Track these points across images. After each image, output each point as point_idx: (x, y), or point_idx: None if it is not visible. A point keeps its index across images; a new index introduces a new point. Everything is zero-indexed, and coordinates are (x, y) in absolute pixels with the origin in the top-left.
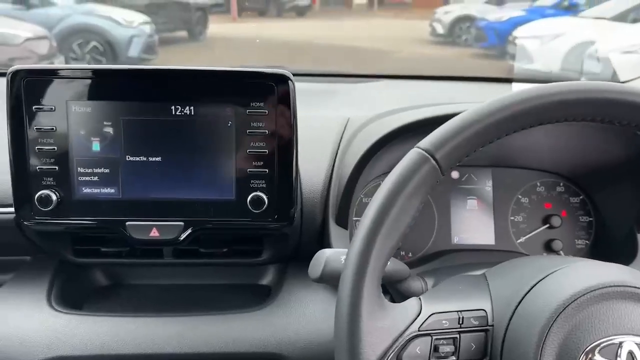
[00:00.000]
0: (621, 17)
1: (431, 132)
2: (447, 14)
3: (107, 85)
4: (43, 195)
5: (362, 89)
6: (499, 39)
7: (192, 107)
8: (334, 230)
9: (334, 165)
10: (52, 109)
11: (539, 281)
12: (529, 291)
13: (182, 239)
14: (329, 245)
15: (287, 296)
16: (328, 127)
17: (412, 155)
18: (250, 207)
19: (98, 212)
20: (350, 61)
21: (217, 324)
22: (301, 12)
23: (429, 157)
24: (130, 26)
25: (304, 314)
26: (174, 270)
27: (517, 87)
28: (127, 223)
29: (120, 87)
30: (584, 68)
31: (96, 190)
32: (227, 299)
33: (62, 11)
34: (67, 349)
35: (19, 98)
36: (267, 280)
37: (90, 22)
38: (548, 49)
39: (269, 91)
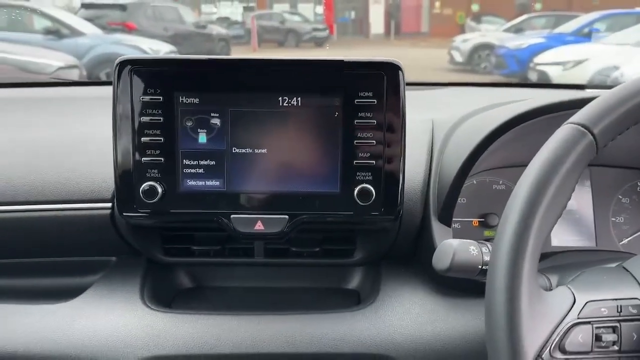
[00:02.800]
0: None
1: (546, 120)
2: (465, 42)
3: (215, 76)
4: (148, 188)
5: (426, 96)
6: (519, 66)
7: (299, 98)
8: (437, 227)
9: (431, 162)
10: (159, 99)
11: None
12: None
13: (286, 232)
14: (431, 243)
15: (387, 296)
16: (414, 128)
17: (566, 131)
18: (357, 200)
19: (202, 205)
20: None
21: (319, 323)
22: (319, 42)
23: (586, 131)
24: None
25: (409, 313)
26: (256, 273)
27: (592, 94)
28: (232, 216)
29: (228, 78)
30: None
31: (201, 183)
32: (317, 301)
33: (91, 41)
34: (167, 347)
35: (125, 88)
36: (353, 284)
37: (118, 51)
38: (570, 75)
39: (378, 80)
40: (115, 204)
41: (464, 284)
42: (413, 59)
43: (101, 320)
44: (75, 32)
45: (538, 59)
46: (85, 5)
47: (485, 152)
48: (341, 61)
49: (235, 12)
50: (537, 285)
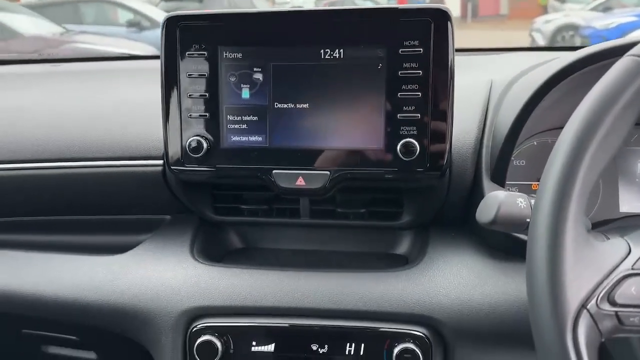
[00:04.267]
0: None
1: (608, 64)
2: (547, 23)
3: (257, 30)
4: (194, 142)
5: (485, 61)
6: None
7: (341, 50)
8: (489, 187)
9: (485, 120)
10: (204, 55)
11: None
12: None
13: (328, 188)
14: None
15: (434, 259)
16: (471, 87)
17: (626, 63)
18: (400, 155)
19: (245, 160)
20: None
21: (363, 281)
22: None
23: None
24: None
25: (456, 276)
26: (304, 236)
27: None
28: (274, 171)
29: (270, 32)
30: None
31: (244, 138)
32: (365, 263)
33: None
34: (212, 299)
35: (173, 44)
36: (402, 249)
37: None
38: None
39: (424, 29)
40: (165, 159)
41: (515, 247)
42: (493, 42)
43: (150, 272)
44: (155, 24)
45: (628, 39)
46: None
47: (544, 107)
48: (384, 9)
49: (307, 0)
50: (585, 231)
